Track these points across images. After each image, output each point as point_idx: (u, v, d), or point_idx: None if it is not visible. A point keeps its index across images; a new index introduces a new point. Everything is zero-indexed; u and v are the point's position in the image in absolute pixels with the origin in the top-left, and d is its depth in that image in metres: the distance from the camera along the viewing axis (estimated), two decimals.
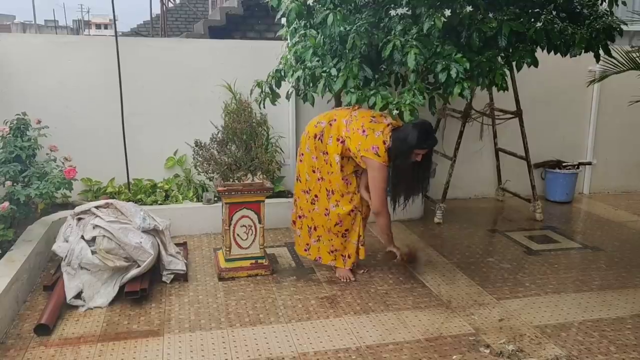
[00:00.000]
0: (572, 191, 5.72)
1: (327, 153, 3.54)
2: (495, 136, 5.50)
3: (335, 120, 3.55)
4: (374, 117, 3.47)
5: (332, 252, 3.68)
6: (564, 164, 5.72)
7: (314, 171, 3.62)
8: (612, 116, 5.93)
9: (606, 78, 4.65)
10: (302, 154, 3.68)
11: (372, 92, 3.49)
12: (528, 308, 3.31)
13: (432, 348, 2.85)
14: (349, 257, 3.67)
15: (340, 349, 2.83)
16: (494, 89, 3.78)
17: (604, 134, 6.00)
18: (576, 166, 5.78)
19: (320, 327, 3.05)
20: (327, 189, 3.58)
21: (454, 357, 2.75)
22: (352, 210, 3.57)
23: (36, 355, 2.73)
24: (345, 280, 3.65)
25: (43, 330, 2.92)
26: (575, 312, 3.27)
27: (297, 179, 3.79)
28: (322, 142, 3.54)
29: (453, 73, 3.32)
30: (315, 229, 3.70)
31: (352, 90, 3.51)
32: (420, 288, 3.56)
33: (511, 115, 5.08)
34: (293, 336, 2.95)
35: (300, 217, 3.78)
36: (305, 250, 3.79)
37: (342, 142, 3.47)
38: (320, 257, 3.73)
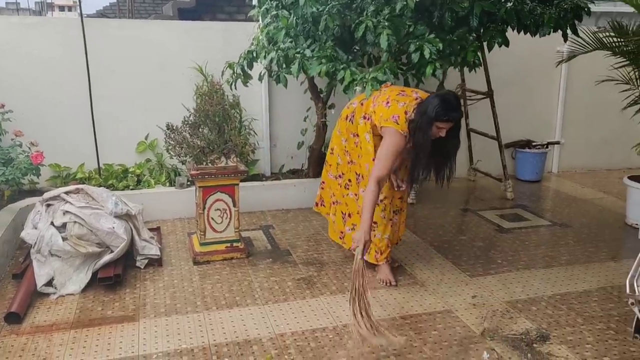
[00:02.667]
0: (541, 170, 5.84)
1: (357, 135, 3.31)
2: (466, 117, 5.55)
3: (366, 99, 3.32)
4: (403, 91, 3.20)
5: None
6: (533, 144, 5.82)
7: (345, 154, 3.44)
8: (580, 96, 6.04)
9: (574, 58, 4.73)
10: (332, 139, 3.52)
11: (342, 66, 3.47)
12: (500, 284, 3.39)
13: (408, 325, 2.90)
14: (380, 252, 3.38)
15: (317, 329, 2.85)
16: (466, 70, 3.83)
17: (572, 113, 6.12)
18: (545, 146, 5.89)
19: (297, 308, 3.07)
20: (357, 173, 3.37)
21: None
22: (381, 200, 3.25)
23: (7, 343, 2.68)
24: (385, 284, 3.34)
25: (14, 318, 2.86)
26: (544, 287, 3.36)
27: (325, 163, 3.62)
28: (352, 123, 3.34)
29: (426, 53, 3.35)
30: (349, 215, 3.49)
31: (324, 61, 3.48)
32: (395, 267, 3.59)
33: (482, 96, 5.14)
34: (270, 317, 2.96)
35: (334, 203, 3.59)
36: (340, 238, 3.60)
37: (368, 119, 3.23)
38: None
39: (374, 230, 3.30)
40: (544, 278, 3.48)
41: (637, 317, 2.01)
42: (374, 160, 3.13)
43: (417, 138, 2.98)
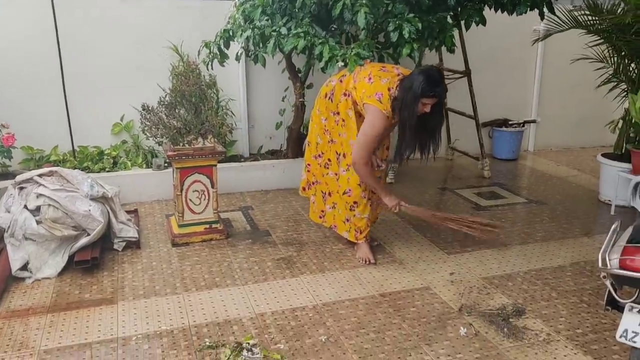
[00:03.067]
0: (518, 149, 5.90)
1: (338, 113, 3.27)
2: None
3: (345, 75, 3.27)
4: (384, 67, 3.18)
5: (346, 221, 3.41)
6: (510, 123, 5.88)
7: (324, 133, 3.39)
8: (555, 75, 6.09)
9: (549, 37, 4.77)
10: (312, 118, 3.49)
11: (320, 41, 3.43)
12: (477, 261, 3.44)
13: (387, 303, 2.93)
14: (360, 231, 3.38)
15: (297, 308, 2.87)
16: (444, 49, 3.83)
17: (548, 92, 6.17)
18: (522, 124, 5.95)
19: (277, 288, 3.08)
20: (337, 152, 3.34)
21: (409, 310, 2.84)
22: (362, 181, 3.25)
23: None
24: (365, 263, 3.37)
25: None
26: (520, 263, 3.43)
27: (307, 144, 3.57)
28: (332, 101, 3.29)
29: (405, 33, 3.33)
30: (329, 194, 3.46)
31: (301, 34, 3.44)
32: (374, 246, 3.62)
33: (460, 75, 5.15)
34: (250, 297, 2.97)
35: (314, 183, 3.55)
36: (320, 217, 3.57)
37: (348, 95, 3.20)
38: (335, 225, 3.48)
39: (354, 210, 3.33)
40: (519, 254, 3.55)
41: (609, 290, 2.06)
42: (350, 131, 3.15)
43: (403, 115, 2.97)
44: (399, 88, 2.99)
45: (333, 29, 3.82)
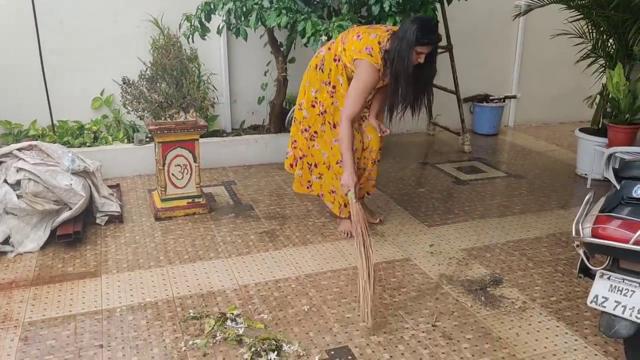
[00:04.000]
0: (498, 124, 5.97)
1: (329, 82, 3.18)
2: None
3: (333, 42, 3.20)
4: (372, 26, 3.17)
5: (332, 192, 3.38)
6: (490, 98, 5.94)
7: (313, 106, 3.28)
8: (536, 51, 6.14)
9: (530, 13, 4.79)
10: (300, 92, 3.38)
11: (302, 17, 3.43)
12: (456, 233, 3.51)
13: None
14: (345, 205, 3.34)
15: (280, 279, 2.92)
16: None
17: (528, 68, 6.23)
18: (502, 100, 6.01)
19: (261, 260, 3.12)
20: (329, 122, 3.24)
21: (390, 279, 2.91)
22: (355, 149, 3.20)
23: None
24: (346, 236, 3.39)
25: None
26: (499, 234, 3.51)
27: (294, 120, 3.46)
28: (322, 71, 3.20)
29: (386, 6, 3.34)
30: (315, 165, 3.41)
31: (283, 11, 3.43)
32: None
33: (442, 50, 5.16)
34: (234, 270, 3.00)
35: (300, 157, 3.44)
36: (308, 187, 3.49)
37: (338, 60, 3.11)
38: (322, 194, 3.45)
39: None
40: (498, 226, 3.63)
41: (582, 259, 2.13)
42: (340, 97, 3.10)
43: (396, 65, 2.88)
44: (391, 39, 2.93)
45: (315, 2, 3.80)
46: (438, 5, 4.57)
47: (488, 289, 2.85)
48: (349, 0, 3.34)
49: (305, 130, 3.37)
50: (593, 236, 2.03)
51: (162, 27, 4.55)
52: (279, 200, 4.02)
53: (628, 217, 1.98)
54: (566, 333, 2.49)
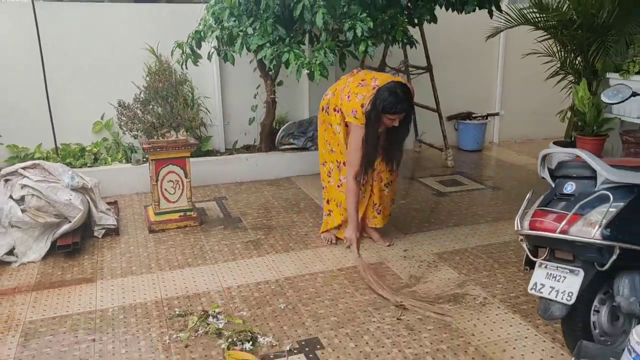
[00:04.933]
0: (482, 140, 6.23)
1: (332, 124, 3.47)
2: None
3: (337, 89, 3.47)
4: (363, 80, 3.36)
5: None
6: (473, 116, 6.20)
7: (326, 143, 3.57)
8: (517, 70, 6.41)
9: (511, 33, 5.06)
10: (318, 125, 3.66)
11: (286, 49, 3.74)
12: (430, 239, 3.74)
13: (343, 275, 3.22)
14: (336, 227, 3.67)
15: (261, 282, 3.15)
16: (408, 47, 4.11)
17: (510, 86, 6.50)
18: (485, 117, 6.28)
19: (244, 266, 3.36)
20: (337, 161, 3.53)
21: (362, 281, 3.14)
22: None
23: None
24: (327, 243, 3.65)
25: None
26: (470, 240, 3.73)
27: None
28: (328, 114, 3.49)
29: (358, 31, 3.62)
30: (328, 202, 3.67)
31: (268, 45, 3.75)
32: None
33: (422, 71, 5.46)
34: (219, 274, 3.25)
35: (324, 188, 3.72)
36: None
37: (338, 111, 3.40)
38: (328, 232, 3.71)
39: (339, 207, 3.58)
40: (470, 233, 3.85)
41: (526, 253, 2.36)
42: (345, 145, 3.41)
43: (367, 129, 3.23)
44: (370, 102, 3.20)
45: (296, 29, 4.10)
46: (417, 30, 4.88)
47: (452, 287, 3.07)
48: (325, 26, 3.62)
49: (324, 164, 3.65)
50: (530, 229, 2.27)
51: (157, 54, 4.88)
52: (266, 213, 4.27)
53: (559, 211, 2.22)
54: (520, 324, 2.71)
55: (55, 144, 4.84)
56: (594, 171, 2.18)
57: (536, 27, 4.62)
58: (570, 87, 4.76)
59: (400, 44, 3.95)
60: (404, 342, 2.56)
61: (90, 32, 4.90)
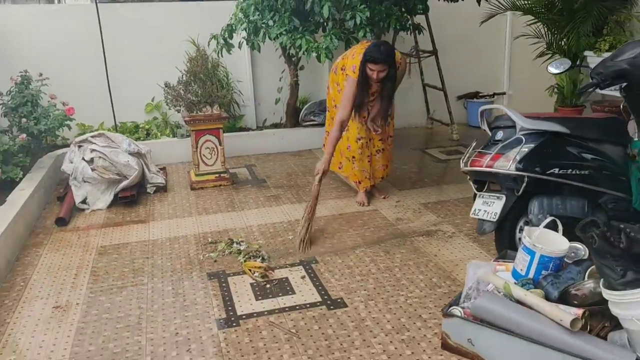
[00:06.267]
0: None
1: (339, 83, 4.07)
2: (422, 73, 6.54)
3: (346, 54, 4.07)
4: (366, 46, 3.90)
5: (352, 174, 4.26)
6: (480, 95, 6.81)
7: (332, 100, 4.22)
8: (523, 51, 6.93)
9: (518, 16, 5.62)
10: (327, 88, 4.35)
11: (298, 36, 4.52)
12: (419, 194, 4.46)
13: (342, 218, 4.00)
14: (359, 182, 4.24)
15: (276, 222, 3.97)
16: (419, 33, 4.78)
17: (518, 67, 7.04)
18: (491, 95, 6.87)
19: (265, 212, 4.18)
20: None
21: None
22: (358, 139, 4.11)
23: (58, 237, 3.84)
24: (360, 205, 4.20)
25: (61, 222, 4.02)
26: (454, 194, 4.42)
27: (326, 110, 4.46)
28: (336, 74, 4.11)
29: (358, 20, 4.36)
30: (343, 151, 4.25)
31: (284, 33, 4.53)
32: (344, 186, 4.66)
33: (429, 54, 6.13)
34: (244, 218, 4.08)
35: (326, 132, 4.32)
36: (339, 167, 4.35)
37: (344, 69, 3.97)
38: (347, 177, 4.37)
39: (353, 163, 4.23)
40: (456, 189, 4.53)
41: (474, 189, 3.07)
42: None
43: (359, 79, 3.81)
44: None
45: (310, 19, 4.87)
46: (423, 17, 5.55)
47: (429, 227, 3.79)
48: (330, 17, 4.38)
49: (333, 118, 4.27)
50: (470, 167, 2.97)
51: (197, 45, 5.75)
52: (287, 176, 5.08)
53: (489, 152, 2.91)
54: (475, 249, 3.42)
55: (115, 122, 5.80)
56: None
57: (524, 12, 5.21)
58: None
59: (403, 30, 4.64)
60: (380, 259, 3.32)
61: (141, 27, 5.82)
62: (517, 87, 7.12)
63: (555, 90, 5.38)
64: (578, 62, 5.09)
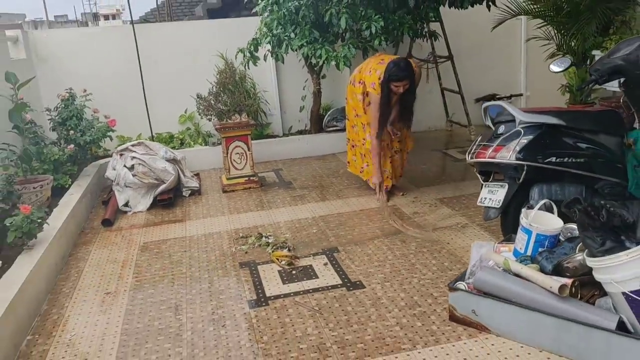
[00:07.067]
0: None
1: (356, 94, 4.44)
2: (439, 78, 6.81)
3: (362, 67, 4.41)
4: (382, 60, 4.26)
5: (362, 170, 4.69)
6: (497, 97, 7.02)
7: (352, 110, 4.60)
8: (539, 53, 7.13)
9: (531, 20, 5.85)
10: (346, 98, 4.73)
11: (319, 47, 4.87)
12: (437, 190, 4.72)
13: (363, 214, 4.29)
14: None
15: (301, 218, 4.29)
16: (435, 40, 5.08)
17: (535, 69, 7.23)
18: (509, 97, 7.08)
19: (291, 210, 4.51)
20: (362, 123, 4.51)
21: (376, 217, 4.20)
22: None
23: (104, 236, 4.25)
24: (378, 201, 4.48)
25: (107, 223, 4.43)
26: (469, 190, 4.66)
27: (346, 119, 4.87)
28: (354, 86, 4.47)
29: (373, 30, 4.68)
30: (364, 155, 4.64)
31: (305, 44, 4.89)
32: (364, 186, 4.96)
33: (445, 59, 6.40)
34: (271, 215, 4.42)
35: (353, 146, 4.76)
36: (361, 172, 4.74)
37: (361, 83, 4.33)
38: (368, 180, 4.68)
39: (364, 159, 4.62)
40: (471, 185, 4.76)
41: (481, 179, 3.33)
42: (365, 111, 4.42)
43: (382, 95, 4.19)
44: (382, 75, 4.18)
45: (329, 31, 5.22)
46: (438, 24, 5.84)
47: (444, 219, 4.05)
48: (348, 27, 4.71)
49: (353, 127, 4.70)
50: (476, 158, 3.24)
51: (226, 59, 6.17)
52: (312, 178, 5.41)
53: (492, 144, 3.17)
54: (486, 237, 3.67)
55: (151, 133, 6.24)
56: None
57: (533, 16, 5.44)
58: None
59: (417, 37, 4.93)
60: (396, 247, 3.61)
61: (174, 44, 6.27)
62: (534, 88, 7.31)
63: (567, 89, 5.57)
64: (588, 62, 5.30)
